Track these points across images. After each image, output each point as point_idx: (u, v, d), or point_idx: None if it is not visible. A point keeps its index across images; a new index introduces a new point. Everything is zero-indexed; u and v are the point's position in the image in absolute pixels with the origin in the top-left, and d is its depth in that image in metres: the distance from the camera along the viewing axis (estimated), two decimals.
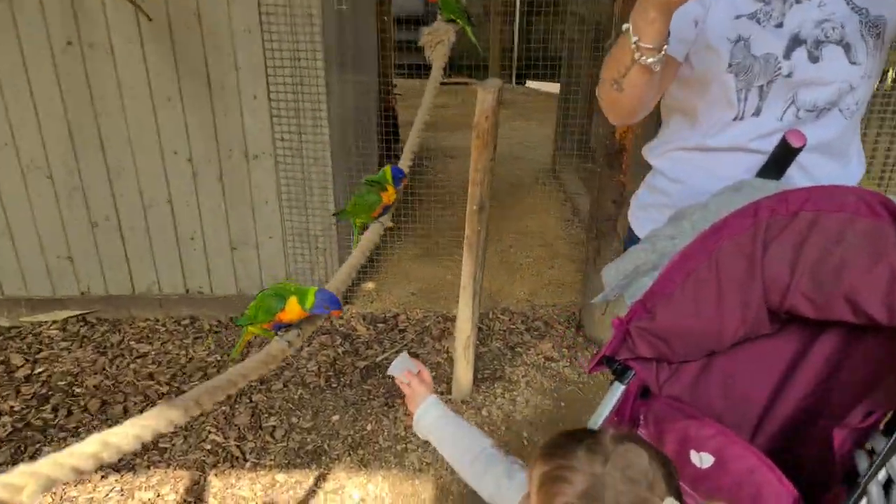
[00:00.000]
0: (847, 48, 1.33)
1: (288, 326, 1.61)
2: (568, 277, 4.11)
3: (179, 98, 3.22)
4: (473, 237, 2.54)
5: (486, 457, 1.34)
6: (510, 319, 3.64)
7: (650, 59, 1.22)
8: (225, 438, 2.81)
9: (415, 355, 3.33)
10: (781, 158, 1.42)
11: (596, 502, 0.89)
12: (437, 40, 2.75)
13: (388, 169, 2.03)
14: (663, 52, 1.23)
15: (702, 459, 1.12)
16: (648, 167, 1.68)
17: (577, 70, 5.31)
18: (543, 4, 5.52)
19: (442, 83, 2.57)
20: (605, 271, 1.61)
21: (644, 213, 1.72)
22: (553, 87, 8.32)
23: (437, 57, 2.72)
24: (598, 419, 1.30)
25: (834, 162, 1.47)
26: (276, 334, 1.63)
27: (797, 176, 1.43)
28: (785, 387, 1.31)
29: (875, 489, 0.96)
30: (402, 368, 1.48)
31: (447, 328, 3.57)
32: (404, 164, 2.20)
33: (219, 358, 3.32)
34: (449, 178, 5.69)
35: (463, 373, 2.92)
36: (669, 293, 1.26)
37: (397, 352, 3.38)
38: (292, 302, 1.56)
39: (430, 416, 1.42)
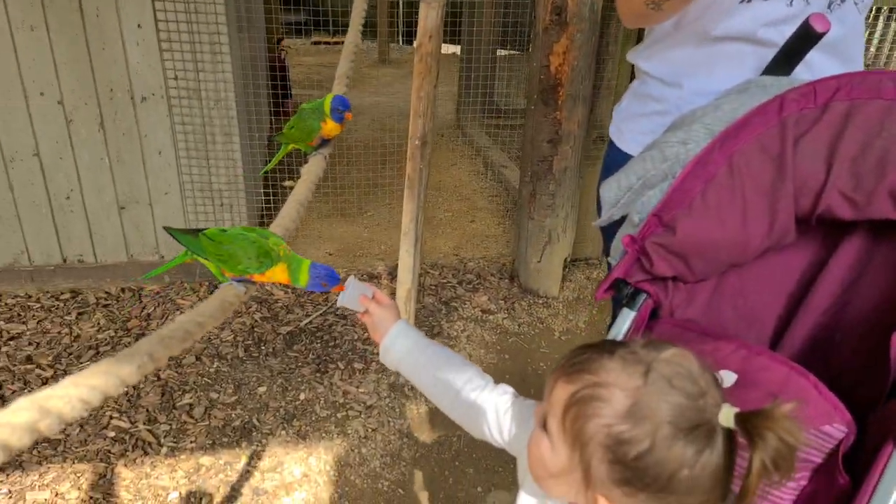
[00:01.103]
0: None
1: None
2: (491, 230, 3.96)
3: (45, 26, 2.68)
4: (415, 176, 2.29)
5: (471, 389, 1.14)
6: (440, 274, 3.43)
7: None
8: (132, 423, 2.41)
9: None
10: (797, 48, 1.28)
11: (643, 421, 0.75)
12: None
13: (328, 98, 1.75)
14: None
15: (723, 379, 0.99)
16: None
17: (479, 29, 5.17)
18: None
19: (328, 43, 2.28)
20: (605, 188, 1.44)
21: (633, 125, 1.55)
22: (444, 48, 8.13)
23: None
24: None
25: (841, 66, 1.35)
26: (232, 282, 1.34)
27: (803, 76, 1.31)
28: (803, 301, 1.19)
29: None
30: (355, 296, 1.22)
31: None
32: (338, 91, 1.91)
33: (112, 334, 2.86)
34: (349, 134, 5.36)
35: None
36: (688, 203, 1.11)
37: (328, 309, 3.08)
38: (280, 269, 1.29)
39: (399, 347, 1.19)
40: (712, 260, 1.13)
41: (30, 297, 3.07)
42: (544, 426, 0.86)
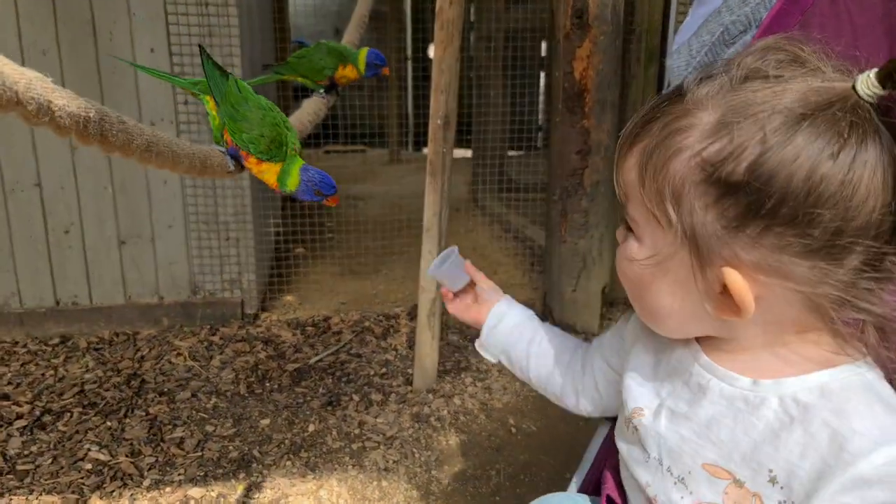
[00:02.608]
0: None
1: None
2: (516, 280, 3.70)
3: (56, 50, 2.63)
4: (437, 161, 2.10)
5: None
6: None
7: None
8: (112, 456, 2.06)
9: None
10: None
11: (744, 123, 0.54)
12: None
13: (363, 50, 1.62)
14: None
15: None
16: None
17: (486, 128, 5.25)
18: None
19: (338, 151, 2.29)
20: (672, 59, 1.25)
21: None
22: (456, 152, 8.30)
23: None
24: None
25: None
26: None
27: None
28: None
29: None
30: (456, 267, 0.97)
31: (391, 326, 3.01)
32: (353, 36, 1.78)
33: (101, 374, 2.55)
34: (360, 213, 5.30)
35: (427, 350, 2.37)
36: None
37: (340, 347, 2.77)
38: (273, 170, 1.17)
39: (508, 321, 0.96)
40: None
41: (16, 342, 2.80)
42: (627, 227, 0.66)
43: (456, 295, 1.00)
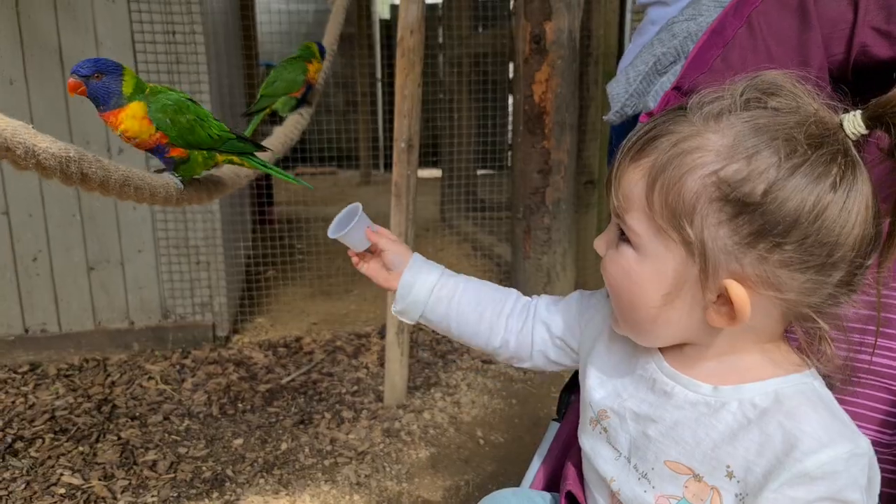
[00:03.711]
0: None
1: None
2: None
3: (24, 80, 2.66)
4: (402, 183, 2.17)
5: (521, 300, 0.96)
6: (434, 331, 3.20)
7: None
8: (85, 480, 2.07)
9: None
10: None
11: (759, 146, 0.60)
12: None
13: (309, 44, 1.70)
14: None
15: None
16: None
17: (455, 149, 5.38)
18: None
19: (307, 173, 2.40)
20: (611, 86, 1.37)
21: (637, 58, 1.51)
22: (423, 172, 8.40)
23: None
24: None
25: None
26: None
27: None
28: None
29: None
30: (359, 229, 0.93)
31: (362, 344, 3.06)
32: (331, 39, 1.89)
33: (71, 401, 2.55)
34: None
35: (397, 367, 2.43)
36: (708, 67, 1.01)
37: (312, 367, 2.81)
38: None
39: (421, 287, 0.93)
40: None
41: None
42: (621, 237, 0.69)
43: (365, 254, 0.97)
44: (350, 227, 0.91)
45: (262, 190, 4.78)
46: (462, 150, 5.47)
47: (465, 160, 5.47)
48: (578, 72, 2.81)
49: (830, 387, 0.68)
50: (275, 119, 1.76)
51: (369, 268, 0.97)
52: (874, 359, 0.76)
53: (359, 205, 0.94)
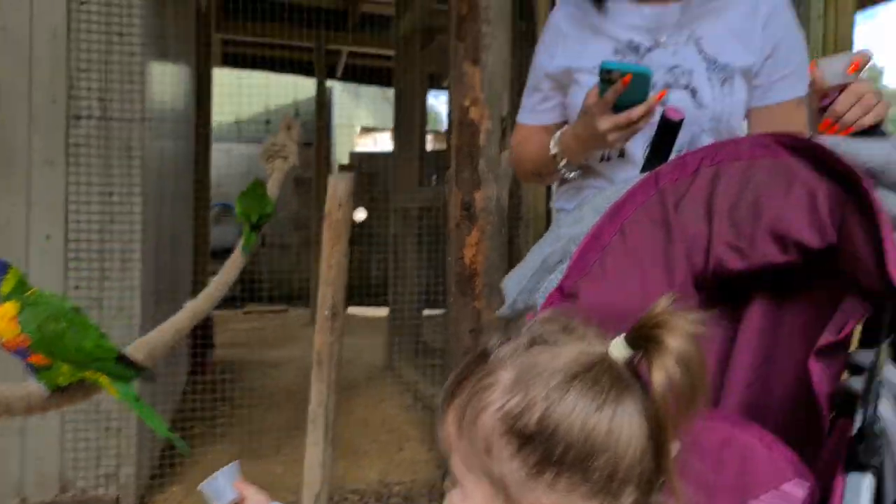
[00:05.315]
0: (693, 93, 1.37)
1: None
2: (421, 456, 3.62)
3: None
4: (325, 350, 2.13)
5: None
6: (361, 499, 3.01)
7: (571, 174, 1.43)
8: None
9: None
10: (664, 138, 1.37)
11: (534, 381, 0.64)
12: (279, 154, 2.58)
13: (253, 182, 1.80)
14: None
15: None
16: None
17: (400, 289, 5.48)
18: (358, 236, 5.85)
19: (258, 311, 2.56)
20: (506, 281, 1.43)
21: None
22: (373, 312, 8.39)
23: (277, 169, 2.53)
24: None
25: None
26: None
27: None
28: (723, 381, 1.12)
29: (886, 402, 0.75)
30: (220, 488, 0.93)
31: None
32: None
33: None
34: (271, 383, 5.18)
35: None
36: (586, 272, 1.11)
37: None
38: None
39: None
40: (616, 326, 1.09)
41: None
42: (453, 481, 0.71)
43: None
44: (218, 479, 0.90)
45: (200, 331, 4.55)
46: (406, 292, 5.56)
47: (408, 301, 5.55)
48: (508, 235, 2.89)
49: None
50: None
51: None
52: None
53: (237, 462, 0.94)
